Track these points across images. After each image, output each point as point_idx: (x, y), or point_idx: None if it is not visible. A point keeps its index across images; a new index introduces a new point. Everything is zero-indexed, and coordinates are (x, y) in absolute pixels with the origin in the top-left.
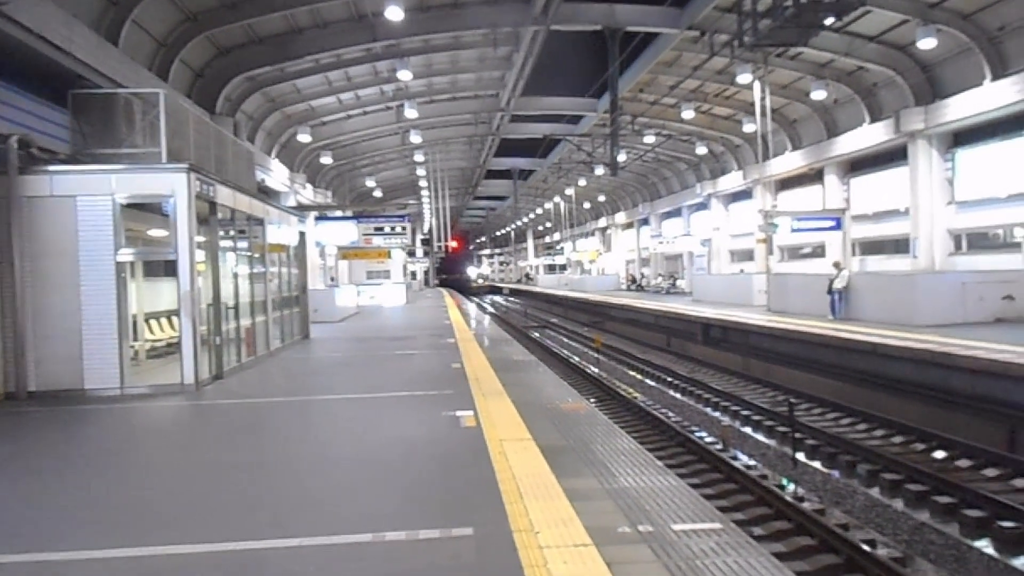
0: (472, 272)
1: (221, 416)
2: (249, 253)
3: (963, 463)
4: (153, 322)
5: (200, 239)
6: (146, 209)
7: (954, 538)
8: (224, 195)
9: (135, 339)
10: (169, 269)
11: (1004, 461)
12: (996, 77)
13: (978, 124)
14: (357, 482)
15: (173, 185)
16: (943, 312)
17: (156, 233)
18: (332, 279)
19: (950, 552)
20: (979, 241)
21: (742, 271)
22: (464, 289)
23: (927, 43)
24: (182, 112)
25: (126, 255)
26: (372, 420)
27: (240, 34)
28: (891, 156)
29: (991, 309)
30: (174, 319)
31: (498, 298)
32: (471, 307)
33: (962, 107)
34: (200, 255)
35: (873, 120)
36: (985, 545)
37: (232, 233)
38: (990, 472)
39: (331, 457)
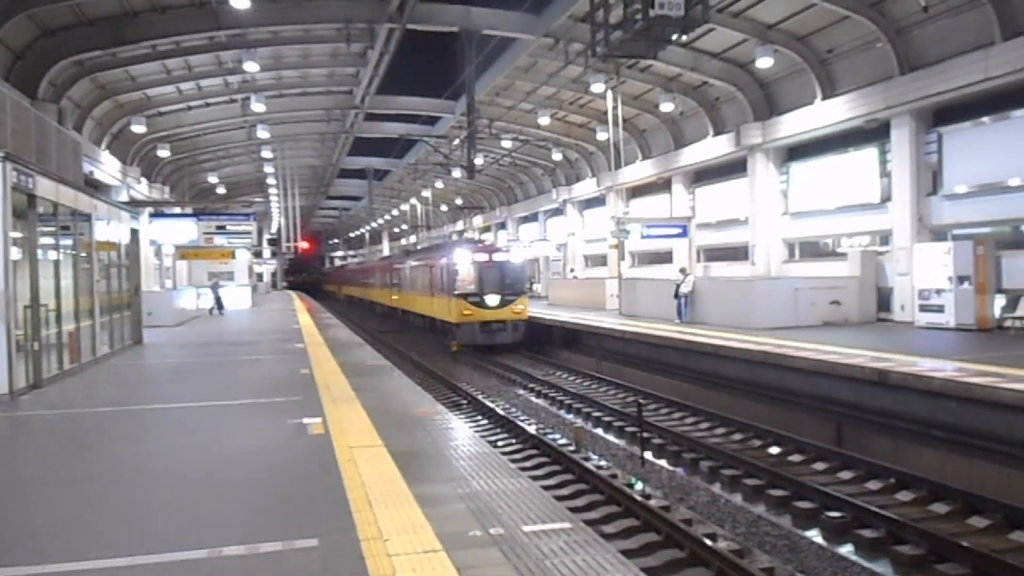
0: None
1: (39, 428)
2: (74, 251)
3: (796, 458)
4: None
5: (16, 235)
6: None
7: (787, 529)
8: (45, 187)
9: None
10: None
11: (832, 455)
12: (826, 96)
13: (810, 140)
14: (193, 495)
15: None
16: (778, 316)
17: None
18: (203, 281)
19: (783, 543)
20: (810, 249)
21: (572, 272)
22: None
23: (764, 62)
24: None
25: None
26: (211, 430)
27: (67, 14)
28: (733, 168)
29: (820, 313)
30: None
31: None
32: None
33: (796, 123)
34: (16, 252)
35: (716, 133)
36: (815, 535)
37: (54, 229)
38: (819, 466)
39: (164, 469)
